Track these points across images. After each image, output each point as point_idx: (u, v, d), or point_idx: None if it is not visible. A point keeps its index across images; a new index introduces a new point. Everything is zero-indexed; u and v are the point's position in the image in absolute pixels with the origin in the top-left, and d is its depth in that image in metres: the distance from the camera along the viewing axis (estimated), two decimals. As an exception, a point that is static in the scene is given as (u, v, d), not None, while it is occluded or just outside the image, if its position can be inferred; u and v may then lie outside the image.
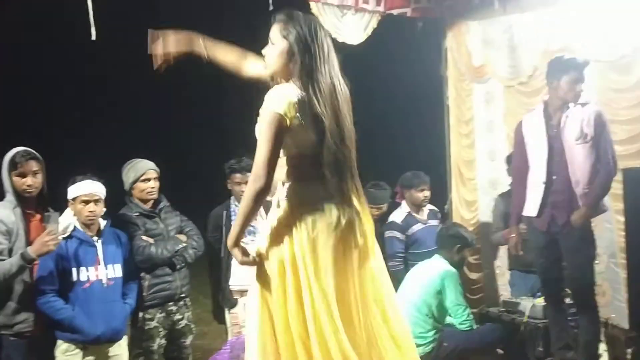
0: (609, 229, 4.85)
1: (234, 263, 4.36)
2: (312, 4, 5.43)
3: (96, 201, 3.72)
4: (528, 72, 5.56)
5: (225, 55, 2.81)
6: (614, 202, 4.64)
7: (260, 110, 2.47)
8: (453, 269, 4.67)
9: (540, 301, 4.69)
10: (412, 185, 5.20)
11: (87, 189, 3.70)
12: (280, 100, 2.42)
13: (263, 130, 2.43)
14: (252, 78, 2.77)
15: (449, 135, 6.32)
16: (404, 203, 5.26)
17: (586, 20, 5.09)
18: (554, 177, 4.21)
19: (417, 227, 5.15)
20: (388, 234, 5.12)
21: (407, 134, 7.60)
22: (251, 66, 2.79)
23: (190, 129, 12.74)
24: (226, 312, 4.50)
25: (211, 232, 4.48)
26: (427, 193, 5.23)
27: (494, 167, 6.02)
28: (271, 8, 5.01)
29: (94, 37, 4.20)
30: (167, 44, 2.76)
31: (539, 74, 5.49)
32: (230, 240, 2.52)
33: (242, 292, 4.39)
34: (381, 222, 5.12)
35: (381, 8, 5.73)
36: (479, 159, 6.13)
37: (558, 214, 4.20)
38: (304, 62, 2.47)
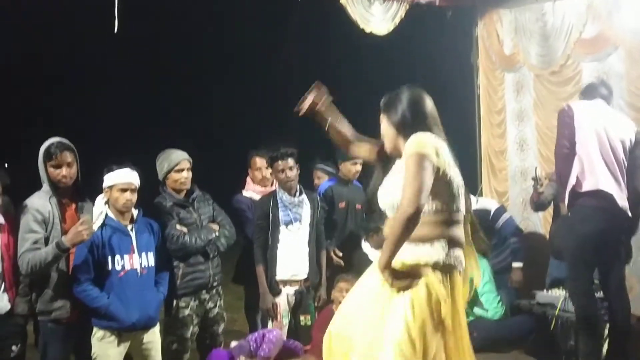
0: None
1: (280, 253, 4.40)
2: (341, -6, 5.42)
3: (132, 190, 3.77)
4: (560, 61, 5.48)
5: (341, 130, 3.05)
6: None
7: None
8: (482, 257, 4.68)
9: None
10: None
11: (126, 178, 3.75)
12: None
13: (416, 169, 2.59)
14: (359, 156, 3.13)
15: (479, 125, 6.27)
16: None
17: (620, 7, 4.99)
18: None
19: None
20: None
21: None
22: (358, 149, 3.06)
23: (220, 119, 12.83)
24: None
25: (258, 219, 4.48)
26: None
27: (524, 157, 5.96)
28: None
29: (115, 30, 4.28)
30: (318, 97, 2.99)
31: (570, 62, 5.42)
32: (381, 263, 2.60)
33: (286, 282, 4.44)
34: None
35: (409, -4, 5.69)
36: (510, 149, 6.07)
37: None
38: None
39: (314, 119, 3.01)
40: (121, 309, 3.67)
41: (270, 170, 4.75)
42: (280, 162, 4.43)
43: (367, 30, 5.55)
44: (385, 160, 2.92)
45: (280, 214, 4.41)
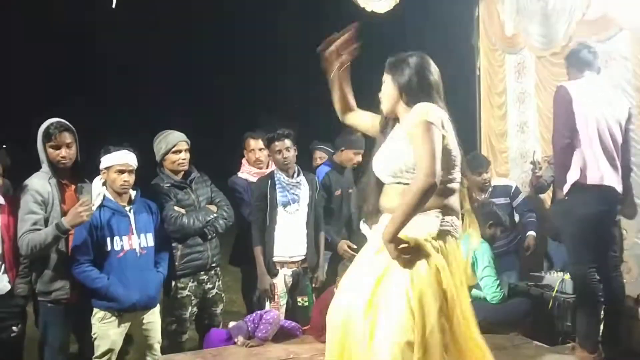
0: (636, 204, 4.75)
1: (277, 234, 4.41)
2: (341, -27, 5.37)
3: (130, 171, 3.77)
4: (562, 42, 5.43)
5: (347, 92, 3.02)
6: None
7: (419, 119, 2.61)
8: (484, 241, 4.67)
9: (569, 276, 4.65)
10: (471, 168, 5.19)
11: (123, 159, 3.74)
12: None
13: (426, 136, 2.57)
14: (351, 125, 3.04)
15: (479, 107, 6.25)
16: None
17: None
18: None
19: None
20: None
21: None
22: (359, 116, 3.02)
23: (217, 99, 12.80)
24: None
25: (255, 200, 4.46)
26: (486, 176, 5.25)
27: (524, 139, 5.94)
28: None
29: (114, 5, 4.24)
30: (349, 42, 2.98)
31: (572, 44, 5.37)
32: (387, 235, 2.54)
33: (283, 264, 4.45)
34: None
35: (409, -25, 5.63)
36: (511, 131, 6.05)
37: None
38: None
39: (329, 61, 2.92)
40: (121, 290, 3.68)
41: (265, 151, 4.72)
42: (277, 142, 4.41)
43: (368, 9, 5.50)
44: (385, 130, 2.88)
45: (278, 195, 4.40)
